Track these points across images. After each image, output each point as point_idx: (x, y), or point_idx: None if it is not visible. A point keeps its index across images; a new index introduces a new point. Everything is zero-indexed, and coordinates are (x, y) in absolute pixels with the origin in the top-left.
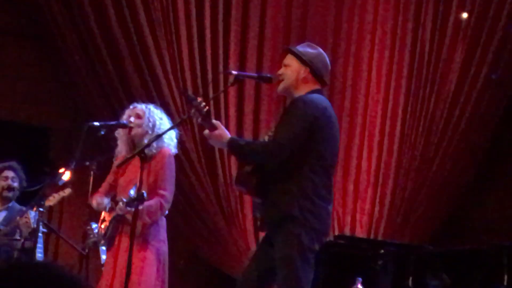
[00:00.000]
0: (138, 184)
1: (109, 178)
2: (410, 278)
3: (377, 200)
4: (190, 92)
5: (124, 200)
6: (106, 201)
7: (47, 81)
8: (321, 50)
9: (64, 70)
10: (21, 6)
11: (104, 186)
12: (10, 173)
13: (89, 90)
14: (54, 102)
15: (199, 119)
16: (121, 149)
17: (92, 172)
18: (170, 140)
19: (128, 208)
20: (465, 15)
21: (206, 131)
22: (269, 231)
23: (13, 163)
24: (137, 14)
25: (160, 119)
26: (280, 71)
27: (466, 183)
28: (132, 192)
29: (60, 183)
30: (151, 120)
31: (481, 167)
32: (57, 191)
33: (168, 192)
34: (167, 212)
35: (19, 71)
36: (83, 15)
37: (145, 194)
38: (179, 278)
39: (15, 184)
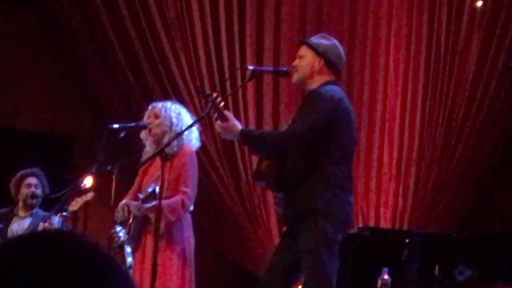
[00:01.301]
0: (160, 183)
1: (137, 180)
2: (436, 266)
3: (400, 193)
4: (206, 88)
5: (141, 196)
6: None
7: (67, 89)
8: (335, 41)
9: (82, 77)
10: (38, 16)
11: (133, 188)
12: (33, 180)
13: (108, 95)
14: (75, 110)
15: (216, 115)
16: (148, 150)
17: (114, 176)
18: (191, 136)
19: (145, 205)
20: (479, 3)
21: (218, 123)
22: (292, 225)
23: (36, 170)
24: (151, 15)
25: (177, 115)
26: (295, 63)
27: (488, 171)
28: (150, 189)
29: (82, 188)
30: (168, 118)
31: (504, 154)
32: (79, 195)
33: (190, 188)
34: (191, 208)
35: (39, 80)
36: (98, 21)
37: (157, 190)
38: (205, 278)
39: (38, 191)
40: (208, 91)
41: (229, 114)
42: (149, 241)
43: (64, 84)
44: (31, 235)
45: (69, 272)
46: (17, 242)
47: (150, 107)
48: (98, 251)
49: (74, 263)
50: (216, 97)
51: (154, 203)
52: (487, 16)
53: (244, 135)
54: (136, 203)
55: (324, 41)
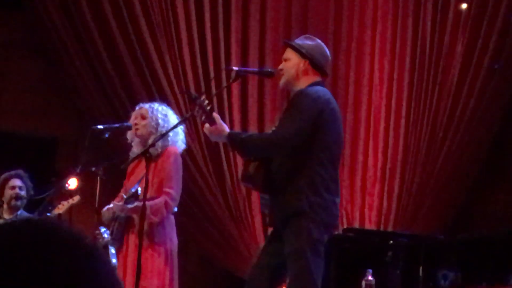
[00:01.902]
0: (144, 184)
1: (125, 181)
2: (421, 269)
3: (385, 195)
4: (192, 91)
5: (124, 197)
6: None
7: (51, 92)
8: (319, 41)
9: (67, 79)
10: (22, 18)
11: (122, 190)
12: (17, 182)
13: (93, 97)
14: (59, 112)
15: (203, 117)
16: (135, 151)
17: (99, 178)
18: (176, 138)
19: (127, 206)
20: (464, 6)
21: (206, 126)
22: (278, 226)
23: (20, 172)
24: (136, 16)
25: (164, 116)
26: (281, 66)
27: (473, 174)
28: (133, 190)
29: (66, 189)
30: (154, 119)
31: (489, 157)
32: (66, 198)
33: (173, 190)
34: (175, 209)
35: (23, 82)
36: (83, 23)
37: (139, 191)
38: (189, 280)
39: (23, 193)
40: (194, 94)
41: (216, 117)
42: (131, 241)
43: (49, 87)
44: (14, 223)
45: (52, 259)
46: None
47: (137, 108)
48: (81, 240)
49: (57, 250)
50: (204, 100)
51: (136, 203)
52: (472, 18)
53: (232, 139)
54: (119, 204)
55: (308, 42)
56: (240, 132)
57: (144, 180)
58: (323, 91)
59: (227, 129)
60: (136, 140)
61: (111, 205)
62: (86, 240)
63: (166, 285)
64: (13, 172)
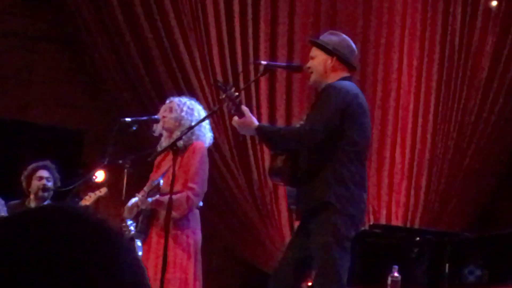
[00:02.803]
0: (166, 177)
1: (151, 174)
2: (447, 265)
3: (412, 191)
4: (223, 83)
5: (145, 190)
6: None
7: (79, 84)
8: (344, 35)
9: (94, 72)
10: (51, 11)
11: (148, 183)
12: (44, 173)
13: (120, 90)
14: (86, 105)
15: (232, 109)
16: (163, 145)
17: (125, 170)
18: (203, 133)
19: (149, 199)
20: (494, 3)
21: (235, 118)
22: (305, 220)
23: (47, 163)
24: (165, 9)
25: (190, 110)
26: (308, 64)
27: (500, 171)
28: (155, 183)
29: (94, 181)
30: (180, 112)
31: None
32: (92, 190)
33: (197, 185)
34: (200, 204)
35: (51, 74)
36: (111, 15)
37: (161, 184)
38: (214, 274)
39: (50, 184)
40: (224, 85)
41: (246, 110)
42: (155, 234)
43: (76, 79)
44: (40, 209)
45: (78, 245)
46: (26, 215)
47: (167, 101)
48: (107, 227)
49: (83, 237)
50: (233, 92)
51: (157, 197)
52: (502, 15)
53: (261, 131)
54: (141, 197)
55: (334, 38)
56: (269, 125)
57: (168, 173)
58: (351, 86)
59: (256, 121)
60: (165, 133)
61: (134, 200)
62: (112, 228)
63: (190, 279)
64: (41, 163)
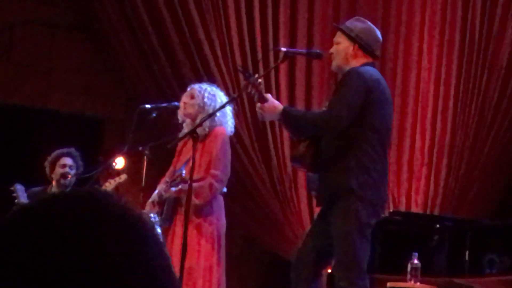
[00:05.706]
0: (190, 164)
1: (174, 160)
2: (467, 253)
3: (432, 178)
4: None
5: (168, 180)
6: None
7: (100, 72)
8: (370, 23)
9: (115, 59)
10: None
11: (170, 170)
12: (68, 161)
13: (140, 78)
14: (107, 92)
15: (256, 96)
16: (184, 131)
17: (145, 157)
18: (225, 119)
19: (172, 189)
20: None
21: (258, 105)
22: (326, 206)
23: (72, 150)
24: None
25: (212, 96)
26: (332, 49)
27: None
28: (178, 172)
29: (114, 168)
30: (201, 98)
31: None
32: (112, 177)
33: (220, 171)
34: (224, 190)
35: (71, 62)
36: (132, 3)
37: (183, 173)
38: (234, 262)
39: (72, 172)
40: (248, 72)
41: (268, 96)
42: (179, 221)
43: (97, 67)
44: (62, 194)
45: (101, 229)
46: (48, 201)
47: (188, 88)
48: (130, 211)
49: (107, 221)
50: (257, 78)
51: (180, 186)
52: None
53: (287, 114)
54: (164, 186)
55: (359, 24)
56: (294, 109)
57: (190, 161)
58: (372, 71)
59: (280, 105)
60: (187, 120)
61: (155, 193)
62: (136, 212)
63: (214, 265)
64: (65, 150)
